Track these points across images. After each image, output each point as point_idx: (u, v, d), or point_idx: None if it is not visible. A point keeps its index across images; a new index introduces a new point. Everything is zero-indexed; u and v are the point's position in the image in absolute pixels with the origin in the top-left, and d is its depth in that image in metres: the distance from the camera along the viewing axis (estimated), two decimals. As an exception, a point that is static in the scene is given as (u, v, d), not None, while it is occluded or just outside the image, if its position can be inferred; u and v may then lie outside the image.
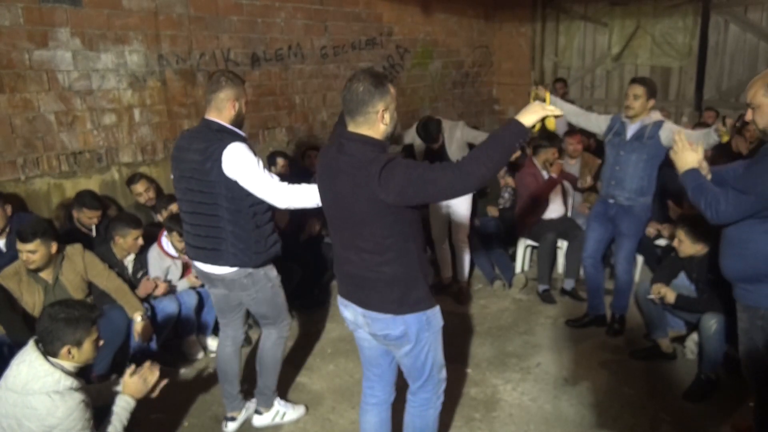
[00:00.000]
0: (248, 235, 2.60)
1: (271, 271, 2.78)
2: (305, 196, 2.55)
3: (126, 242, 3.54)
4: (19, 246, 3.12)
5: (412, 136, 4.58)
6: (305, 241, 4.60)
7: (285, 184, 2.56)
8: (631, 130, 3.61)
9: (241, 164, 2.49)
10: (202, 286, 3.77)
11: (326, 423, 3.12)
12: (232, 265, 2.63)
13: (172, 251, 3.72)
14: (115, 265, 3.54)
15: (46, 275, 3.24)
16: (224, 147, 2.49)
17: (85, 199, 3.88)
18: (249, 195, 2.57)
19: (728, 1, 7.07)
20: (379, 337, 2.23)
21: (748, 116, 2.32)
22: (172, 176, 2.76)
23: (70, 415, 2.12)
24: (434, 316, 2.23)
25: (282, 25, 5.43)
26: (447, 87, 7.58)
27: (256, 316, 2.93)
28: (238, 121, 2.64)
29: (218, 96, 2.59)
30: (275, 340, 2.93)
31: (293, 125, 5.73)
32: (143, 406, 2.50)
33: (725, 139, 3.20)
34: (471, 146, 5.21)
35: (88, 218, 3.88)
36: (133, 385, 2.41)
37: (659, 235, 4.49)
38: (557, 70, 8.43)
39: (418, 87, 7.19)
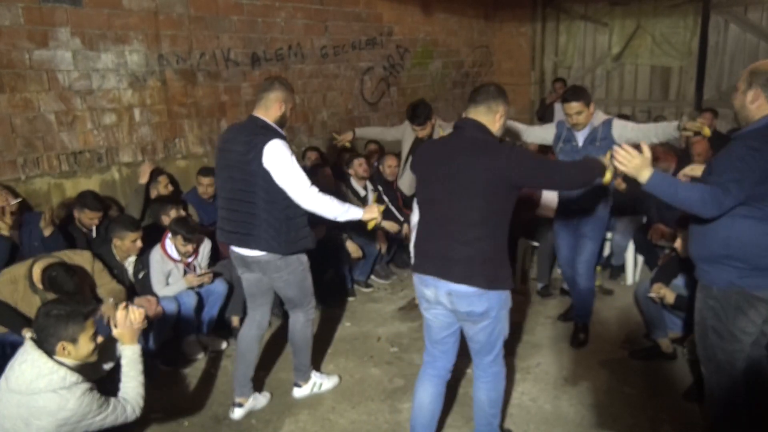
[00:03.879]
0: (279, 225, 2.80)
1: (303, 256, 3.00)
2: (328, 205, 2.80)
3: (124, 244, 3.54)
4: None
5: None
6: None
7: (315, 187, 2.78)
8: (582, 136, 3.53)
9: (278, 158, 2.72)
10: (201, 286, 3.78)
11: (326, 423, 3.12)
12: (262, 250, 2.84)
13: (175, 255, 3.71)
14: (115, 266, 3.54)
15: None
16: (267, 141, 2.72)
17: (87, 199, 3.88)
18: None
19: (728, 1, 7.08)
20: (462, 314, 2.37)
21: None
22: (215, 166, 3.02)
23: (82, 403, 2.15)
24: (509, 296, 2.43)
25: (282, 25, 5.43)
26: (447, 87, 7.58)
27: (284, 299, 3.14)
28: (281, 121, 2.90)
29: (269, 96, 2.85)
30: (303, 322, 3.15)
31: (293, 125, 5.72)
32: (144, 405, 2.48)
33: (707, 132, 3.17)
34: None
35: (89, 219, 3.88)
36: (126, 332, 2.41)
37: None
38: (557, 70, 8.44)
39: (418, 87, 7.19)
